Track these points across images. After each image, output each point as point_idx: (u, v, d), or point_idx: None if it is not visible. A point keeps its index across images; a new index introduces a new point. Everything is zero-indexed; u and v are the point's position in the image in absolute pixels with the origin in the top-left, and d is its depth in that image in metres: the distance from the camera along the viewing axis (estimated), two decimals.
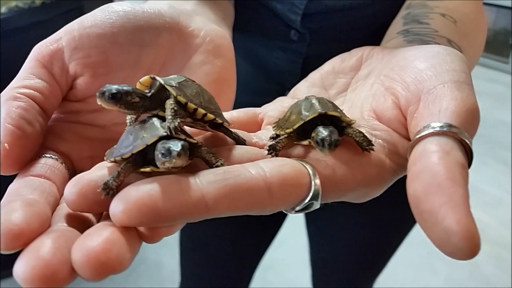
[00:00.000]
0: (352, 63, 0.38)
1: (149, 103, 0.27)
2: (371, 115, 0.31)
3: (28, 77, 0.30)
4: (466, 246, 0.20)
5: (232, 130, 0.30)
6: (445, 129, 0.24)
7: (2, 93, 0.28)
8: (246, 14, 0.54)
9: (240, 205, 0.23)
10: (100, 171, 0.25)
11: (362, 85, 0.36)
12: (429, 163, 0.23)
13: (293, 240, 1.34)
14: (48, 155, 0.28)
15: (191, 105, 0.26)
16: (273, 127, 0.31)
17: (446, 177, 0.22)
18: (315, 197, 0.25)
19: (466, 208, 0.21)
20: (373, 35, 0.56)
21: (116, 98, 0.25)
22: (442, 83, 0.27)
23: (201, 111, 0.27)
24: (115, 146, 0.28)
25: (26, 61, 0.31)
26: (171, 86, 0.26)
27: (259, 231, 0.76)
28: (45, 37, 0.32)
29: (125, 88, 0.25)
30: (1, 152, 0.25)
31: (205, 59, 0.36)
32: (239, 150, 0.28)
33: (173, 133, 0.24)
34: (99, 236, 0.21)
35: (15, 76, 0.30)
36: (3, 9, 1.10)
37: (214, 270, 0.76)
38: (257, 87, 0.62)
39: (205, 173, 0.24)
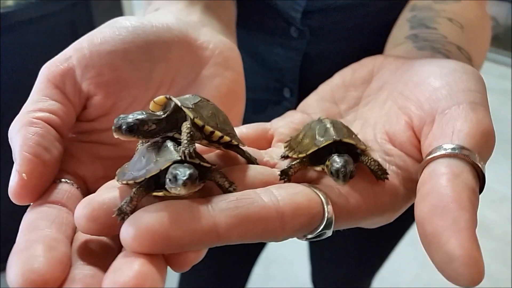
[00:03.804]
0: (363, 74, 0.37)
1: (165, 125, 0.26)
2: (384, 137, 0.30)
3: (41, 99, 0.29)
4: (467, 273, 0.19)
5: (244, 148, 0.30)
6: (456, 151, 0.24)
7: (17, 118, 0.28)
8: (246, 10, 0.53)
9: (251, 234, 0.23)
10: (110, 193, 0.25)
11: (374, 99, 0.35)
12: (437, 185, 0.22)
13: None
14: (63, 180, 0.28)
15: (208, 128, 0.26)
16: (284, 147, 0.31)
17: (453, 200, 0.21)
18: (327, 226, 0.25)
19: (470, 233, 0.20)
20: (373, 33, 0.56)
21: (133, 130, 0.24)
22: (457, 103, 0.26)
23: (218, 133, 0.27)
24: (126, 165, 0.27)
25: (37, 81, 0.30)
26: (188, 107, 0.26)
27: None
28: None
29: (139, 117, 0.25)
30: (19, 182, 0.25)
31: (215, 72, 0.36)
32: (251, 171, 0.28)
33: (187, 158, 0.24)
34: (130, 270, 0.20)
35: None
36: (10, 2, 1.09)
37: (213, 268, 0.76)
38: (256, 83, 0.62)
39: (218, 199, 0.23)
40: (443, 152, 0.24)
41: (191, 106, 0.26)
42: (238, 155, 0.30)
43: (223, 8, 0.45)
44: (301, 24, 0.55)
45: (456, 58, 0.39)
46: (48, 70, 0.30)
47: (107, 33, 0.32)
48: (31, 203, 0.26)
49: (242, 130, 0.34)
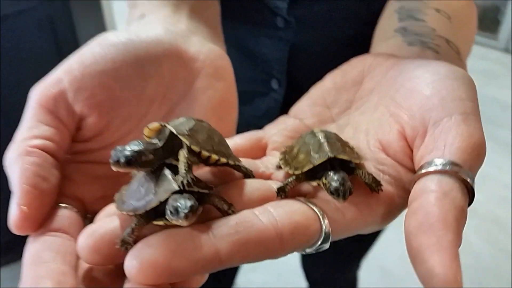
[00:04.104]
0: (353, 76, 0.37)
1: (161, 153, 0.26)
2: (377, 145, 0.31)
3: (36, 125, 0.29)
4: None
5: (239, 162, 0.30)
6: (447, 167, 0.24)
7: (13, 147, 0.28)
8: (232, 1, 0.53)
9: (252, 256, 0.24)
10: (111, 223, 0.25)
11: (366, 102, 0.35)
12: (425, 203, 0.23)
13: None
14: (62, 205, 0.28)
15: (205, 153, 0.26)
16: (280, 159, 0.31)
17: (438, 219, 0.22)
18: (325, 241, 0.26)
19: (452, 252, 0.21)
20: (360, 22, 0.56)
21: (132, 162, 0.24)
22: (449, 115, 0.27)
23: (215, 157, 0.27)
24: (124, 191, 0.27)
25: (29, 107, 0.30)
26: (183, 134, 0.26)
27: None
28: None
29: (137, 149, 0.25)
30: (19, 215, 0.25)
31: (207, 84, 0.36)
32: (248, 187, 0.28)
33: (186, 188, 0.24)
34: None
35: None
36: None
37: None
38: (243, 75, 0.61)
39: (217, 225, 0.24)
40: (434, 168, 0.24)
41: (186, 132, 0.26)
42: (234, 170, 0.30)
43: (209, 8, 0.44)
44: (287, 14, 0.54)
45: (445, 53, 0.39)
46: (40, 94, 0.30)
47: (96, 52, 0.31)
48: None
49: (236, 141, 0.34)
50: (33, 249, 0.25)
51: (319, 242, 0.26)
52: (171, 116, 0.35)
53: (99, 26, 1.34)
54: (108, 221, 0.25)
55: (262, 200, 0.27)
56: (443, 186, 0.24)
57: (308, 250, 0.27)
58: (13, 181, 0.26)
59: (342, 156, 0.28)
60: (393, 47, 0.41)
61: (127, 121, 0.33)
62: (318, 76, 0.63)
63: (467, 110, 0.27)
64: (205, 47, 0.37)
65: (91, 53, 0.32)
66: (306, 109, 0.37)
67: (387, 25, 0.45)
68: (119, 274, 0.26)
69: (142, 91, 0.33)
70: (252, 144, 0.34)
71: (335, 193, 0.26)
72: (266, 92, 0.64)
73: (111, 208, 0.27)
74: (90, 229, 0.24)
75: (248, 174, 0.30)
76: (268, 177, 0.31)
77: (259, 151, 0.34)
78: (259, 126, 0.65)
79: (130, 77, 0.32)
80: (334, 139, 0.29)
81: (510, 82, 2.31)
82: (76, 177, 0.31)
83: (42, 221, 0.26)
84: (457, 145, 0.25)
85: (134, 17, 0.42)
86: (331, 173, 0.27)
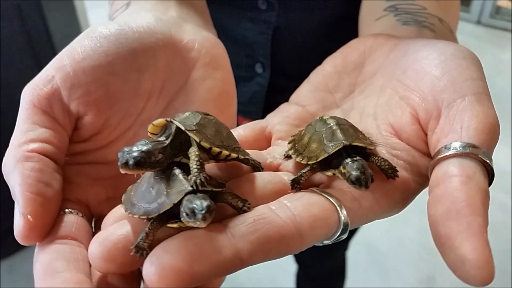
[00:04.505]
0: (354, 58, 0.36)
1: (170, 151, 0.25)
2: (388, 130, 0.30)
3: (31, 127, 0.27)
4: (479, 274, 0.20)
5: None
6: (468, 150, 0.24)
7: (9, 153, 0.26)
8: None
9: (273, 253, 0.23)
10: (122, 228, 0.24)
11: (369, 85, 0.34)
12: (451, 188, 0.23)
13: None
14: (67, 210, 0.27)
15: (216, 149, 0.25)
16: (289, 149, 0.30)
17: (466, 204, 0.22)
18: (343, 231, 0.25)
19: (482, 237, 0.21)
20: (344, 4, 0.56)
21: (141, 163, 0.23)
22: (462, 96, 0.26)
23: (225, 152, 0.26)
24: (131, 192, 0.26)
25: (22, 107, 0.28)
26: (191, 130, 0.25)
27: None
28: None
29: (145, 149, 0.24)
30: (25, 225, 0.24)
31: (204, 74, 0.34)
32: (259, 181, 0.27)
33: (200, 187, 0.23)
34: None
35: None
36: None
37: None
38: None
39: (235, 223, 0.23)
40: (453, 151, 0.24)
41: (194, 128, 0.25)
42: (242, 164, 0.29)
43: None
44: None
45: (440, 32, 0.39)
46: (32, 94, 0.28)
47: (87, 45, 0.30)
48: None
49: (239, 132, 0.33)
50: (43, 260, 0.23)
51: (338, 233, 0.25)
52: (170, 110, 0.33)
53: (70, 14, 1.29)
54: (119, 226, 0.24)
55: (276, 194, 0.26)
56: (466, 170, 0.23)
57: (326, 242, 0.26)
58: (15, 189, 0.25)
59: (358, 143, 0.27)
60: (387, 26, 0.40)
61: (125, 118, 0.31)
62: (302, 58, 0.62)
63: (480, 90, 0.26)
64: (199, 35, 0.36)
65: (81, 47, 0.30)
66: (308, 95, 0.36)
67: (374, 5, 0.44)
68: (135, 278, 0.25)
69: (138, 84, 0.31)
70: (256, 134, 0.33)
71: (356, 182, 0.25)
72: (250, 77, 0.62)
73: (118, 211, 0.26)
74: (101, 236, 0.23)
75: (257, 166, 0.29)
76: (276, 168, 0.30)
77: (264, 141, 0.33)
78: (246, 112, 0.65)
79: (124, 70, 0.31)
80: (346, 125, 0.28)
81: (483, 53, 2.36)
82: (77, 180, 0.29)
83: (48, 229, 0.25)
84: (474, 126, 0.25)
85: (119, 6, 0.40)
86: (349, 161, 0.26)
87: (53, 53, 0.89)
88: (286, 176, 0.28)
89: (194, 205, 0.22)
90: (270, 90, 0.63)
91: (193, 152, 0.24)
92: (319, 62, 0.37)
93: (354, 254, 1.16)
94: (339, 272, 1.06)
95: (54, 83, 0.28)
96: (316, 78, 0.37)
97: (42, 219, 0.24)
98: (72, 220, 0.26)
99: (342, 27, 0.58)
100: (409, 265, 1.46)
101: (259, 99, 0.64)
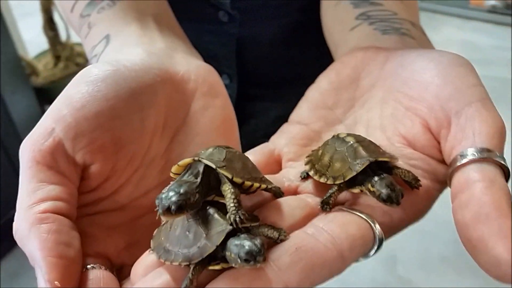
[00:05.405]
0: (348, 73, 0.36)
1: (201, 190, 0.24)
2: (401, 141, 0.30)
3: (38, 186, 0.26)
4: None
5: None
6: (484, 155, 0.24)
7: (20, 216, 0.24)
8: None
9: (318, 279, 0.23)
10: (161, 278, 0.23)
11: (370, 98, 0.34)
12: (475, 193, 0.23)
13: None
14: (89, 266, 0.25)
15: (248, 183, 0.25)
16: (309, 171, 0.30)
17: (494, 208, 0.22)
18: (379, 247, 0.26)
19: None
20: (304, 11, 0.56)
21: (183, 207, 0.22)
22: (469, 103, 0.27)
23: (256, 185, 0.25)
24: (162, 238, 0.25)
25: (24, 166, 0.26)
26: (222, 167, 0.24)
27: None
28: None
29: (182, 191, 0.23)
30: None
31: (205, 104, 0.34)
32: (286, 207, 0.27)
33: (240, 226, 0.23)
34: None
35: None
36: None
37: None
38: None
39: (277, 254, 0.23)
40: (471, 157, 0.25)
41: (223, 164, 0.25)
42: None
43: (167, 13, 0.42)
44: (231, 7, 0.53)
45: (419, 38, 0.39)
46: (32, 150, 0.26)
47: (85, 91, 0.28)
48: None
49: (249, 157, 0.32)
50: None
51: (374, 250, 0.25)
52: (174, 144, 0.32)
53: None
54: (156, 276, 0.23)
55: (305, 218, 0.26)
56: (487, 174, 0.24)
57: (362, 259, 0.26)
58: (34, 254, 0.23)
59: (383, 158, 0.27)
60: (366, 36, 0.40)
61: (131, 160, 0.30)
62: (268, 66, 0.62)
63: (483, 96, 0.27)
64: (192, 65, 0.35)
65: (79, 93, 0.28)
66: (309, 114, 0.36)
67: (343, 13, 0.44)
68: None
69: (142, 124, 0.30)
70: (266, 159, 0.33)
71: (388, 200, 0.25)
72: None
73: (148, 258, 0.25)
74: None
75: (278, 193, 0.28)
76: (294, 191, 0.30)
77: (275, 165, 0.33)
78: None
79: (127, 112, 0.29)
80: (366, 141, 0.28)
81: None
82: (92, 232, 0.28)
83: None
84: (486, 131, 0.25)
85: (96, 41, 0.38)
86: (377, 180, 0.26)
87: None
88: (310, 199, 0.28)
89: (248, 248, 0.21)
90: (239, 99, 0.63)
91: (228, 189, 0.24)
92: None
93: None
94: None
95: (55, 135, 0.27)
96: (314, 95, 0.37)
97: (68, 281, 0.23)
98: (97, 275, 0.25)
99: (301, 33, 0.59)
100: None
101: None
